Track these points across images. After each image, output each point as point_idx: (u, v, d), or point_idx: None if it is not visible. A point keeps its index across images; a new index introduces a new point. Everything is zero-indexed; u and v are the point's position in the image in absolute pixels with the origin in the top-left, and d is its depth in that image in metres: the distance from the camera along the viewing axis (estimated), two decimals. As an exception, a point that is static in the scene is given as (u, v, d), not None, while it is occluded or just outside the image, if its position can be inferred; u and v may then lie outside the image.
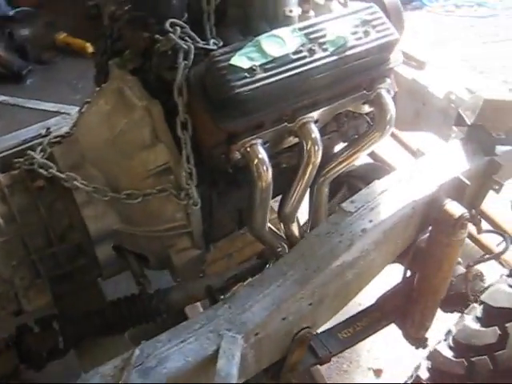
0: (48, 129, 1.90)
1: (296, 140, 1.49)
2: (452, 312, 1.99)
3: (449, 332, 1.35)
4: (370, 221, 1.51)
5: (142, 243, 1.59)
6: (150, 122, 1.46)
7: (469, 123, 1.70)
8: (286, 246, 1.67)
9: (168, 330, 1.42)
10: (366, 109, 1.59)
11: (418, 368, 1.34)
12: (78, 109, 1.87)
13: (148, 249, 1.61)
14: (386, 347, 2.48)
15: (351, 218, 1.53)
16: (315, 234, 1.52)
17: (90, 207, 1.52)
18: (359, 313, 2.03)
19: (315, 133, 1.44)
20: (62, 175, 1.48)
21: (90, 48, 4.22)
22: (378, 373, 2.43)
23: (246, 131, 1.36)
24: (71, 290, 1.71)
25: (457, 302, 1.88)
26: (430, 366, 1.31)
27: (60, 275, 1.59)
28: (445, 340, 1.35)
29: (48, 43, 4.40)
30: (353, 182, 2.03)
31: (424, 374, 1.33)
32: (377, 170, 2.04)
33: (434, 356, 1.31)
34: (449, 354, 1.30)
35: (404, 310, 1.98)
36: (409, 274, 2.02)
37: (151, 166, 1.47)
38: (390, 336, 2.08)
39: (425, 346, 2.02)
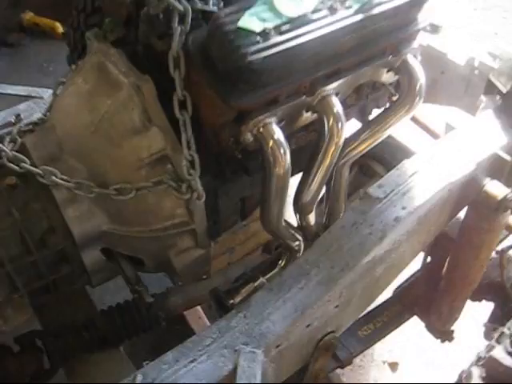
0: (18, 115, 1.64)
1: (314, 117, 1.27)
2: (480, 301, 1.82)
3: (502, 334, 1.16)
4: (403, 208, 1.30)
5: (136, 245, 1.36)
6: (139, 102, 1.22)
7: (504, 91, 1.49)
8: (302, 240, 1.46)
9: (174, 348, 1.21)
10: (391, 78, 1.37)
11: (468, 377, 1.15)
12: (51, 91, 1.63)
13: (143, 251, 1.38)
14: (400, 338, 2.30)
15: (381, 205, 1.32)
16: (340, 226, 1.31)
17: (72, 206, 1.28)
18: (378, 307, 1.85)
19: (337, 107, 1.22)
20: (37, 170, 1.23)
21: (60, 28, 3.90)
22: (393, 366, 2.26)
23: (259, 108, 1.13)
24: (55, 302, 1.48)
25: (489, 290, 1.71)
26: (484, 375, 1.12)
27: (41, 287, 1.35)
28: (498, 343, 1.16)
29: (14, 24, 4.06)
30: (366, 163, 1.83)
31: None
32: (393, 147, 1.83)
33: (489, 364, 1.12)
34: (509, 361, 1.11)
35: (427, 300, 1.80)
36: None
37: (144, 154, 1.24)
38: (404, 325, 1.90)
39: (451, 339, 1.85)
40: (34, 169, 1.23)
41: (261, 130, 1.15)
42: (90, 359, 1.50)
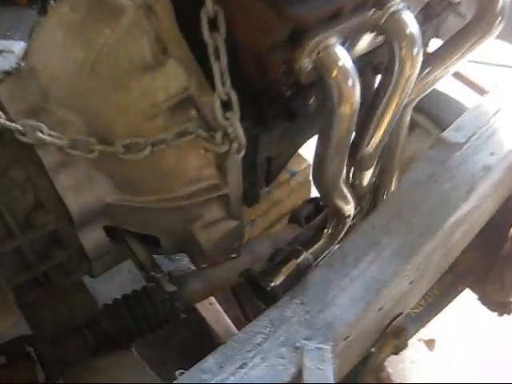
0: (-17, 71, 1.31)
1: (379, 42, 0.98)
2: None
3: None
4: (492, 153, 1.04)
5: (151, 220, 1.06)
6: (150, 28, 0.92)
7: None
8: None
9: (215, 351, 0.92)
10: (461, -7, 1.09)
11: None
12: (23, 44, 1.31)
13: (159, 227, 1.08)
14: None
15: (462, 152, 1.05)
16: (413, 181, 1.04)
17: (66, 172, 0.97)
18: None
19: (412, 28, 0.93)
20: (16, 125, 0.92)
21: (23, -6, 3.50)
22: (430, 344, 2.03)
23: (319, 23, 0.84)
24: (48, 298, 1.18)
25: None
26: None
27: (30, 280, 1.05)
28: None
29: (-30, -10, 3.63)
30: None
31: None
32: (433, 96, 1.56)
33: None
34: None
35: (483, 268, 1.55)
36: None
37: (160, 97, 0.93)
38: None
39: (510, 312, 1.61)
40: (11, 124, 0.91)
41: (321, 54, 0.86)
42: (96, 365, 1.21)
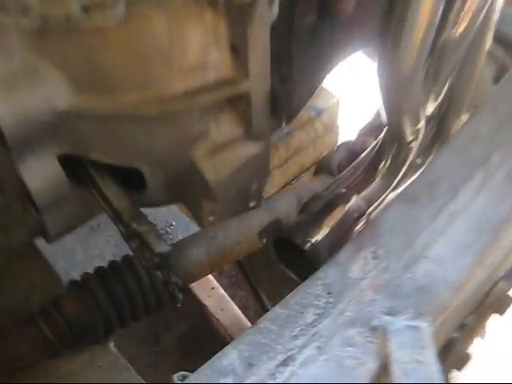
0: None
1: None
2: None
3: None
4: None
5: (128, 141, 0.70)
6: None
7: None
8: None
9: (239, 339, 0.56)
10: None
11: None
12: None
13: (142, 153, 0.72)
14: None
15: None
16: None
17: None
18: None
19: None
20: None
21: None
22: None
23: None
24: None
25: None
26: None
27: None
28: None
29: None
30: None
31: None
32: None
33: None
34: None
35: None
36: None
37: None
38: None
39: None
40: None
41: None
42: (59, 368, 0.84)
